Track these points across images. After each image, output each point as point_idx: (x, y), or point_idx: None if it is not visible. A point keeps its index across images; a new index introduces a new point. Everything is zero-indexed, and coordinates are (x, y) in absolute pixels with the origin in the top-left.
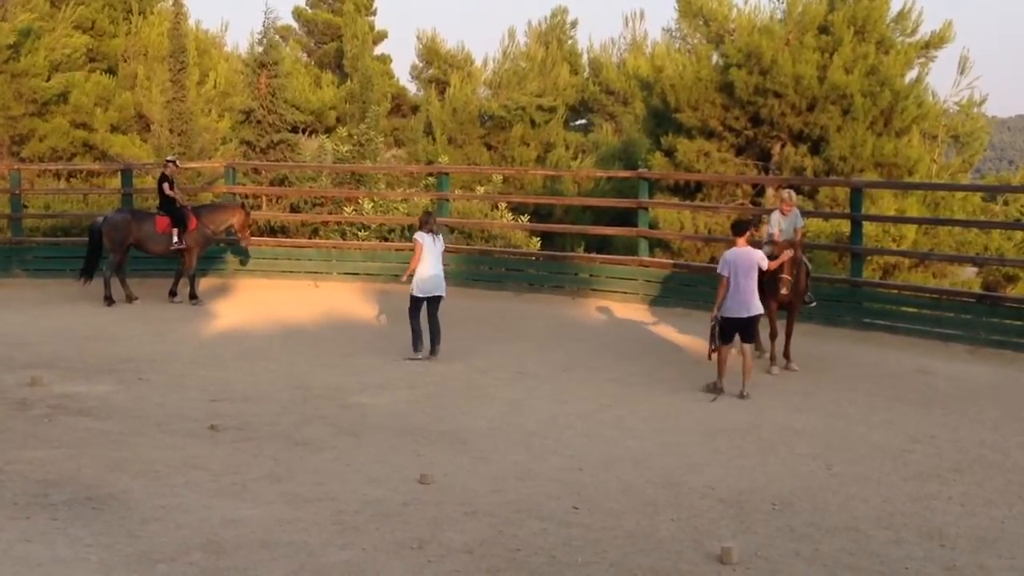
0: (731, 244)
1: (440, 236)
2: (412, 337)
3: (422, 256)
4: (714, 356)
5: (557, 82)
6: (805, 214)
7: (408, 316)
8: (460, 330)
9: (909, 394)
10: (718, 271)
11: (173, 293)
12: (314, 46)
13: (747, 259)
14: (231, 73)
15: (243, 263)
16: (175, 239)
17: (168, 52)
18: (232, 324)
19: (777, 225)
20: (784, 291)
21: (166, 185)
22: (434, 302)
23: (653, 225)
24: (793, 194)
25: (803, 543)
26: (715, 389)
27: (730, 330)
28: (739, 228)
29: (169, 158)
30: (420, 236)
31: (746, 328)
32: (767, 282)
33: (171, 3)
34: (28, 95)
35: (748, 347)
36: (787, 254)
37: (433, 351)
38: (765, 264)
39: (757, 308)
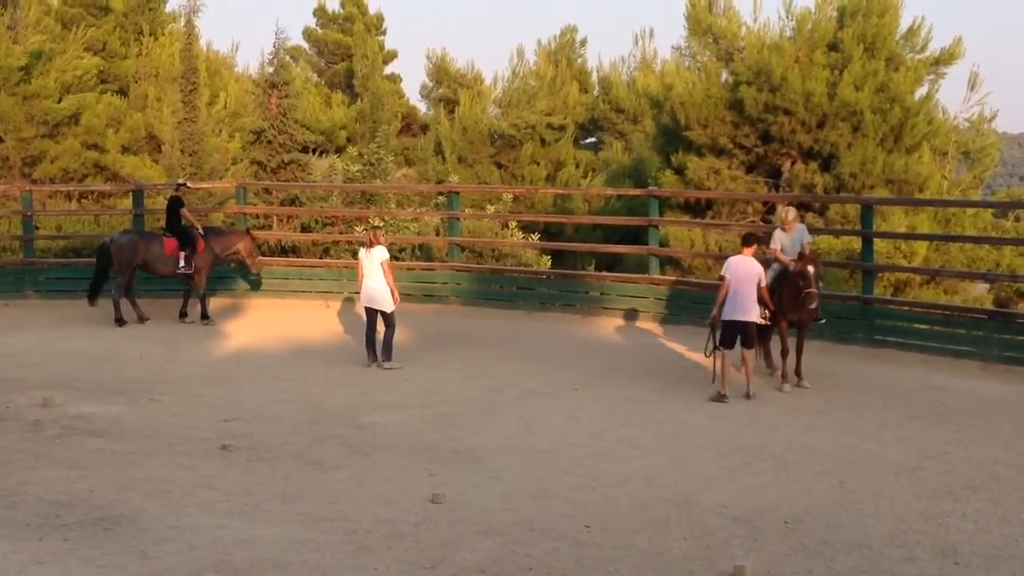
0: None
1: (375, 250)
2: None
3: (362, 270)
4: (711, 356)
5: (567, 100)
6: (816, 231)
7: None
8: (471, 349)
9: (921, 411)
10: (721, 273)
11: (184, 314)
12: (324, 66)
13: (748, 268)
14: (242, 93)
15: (254, 288)
16: (182, 263)
17: (179, 73)
18: (243, 344)
19: (779, 243)
20: (813, 305)
21: (184, 210)
22: (374, 314)
23: (663, 243)
24: (792, 211)
25: (816, 561)
26: (720, 398)
27: (730, 333)
28: (747, 239)
29: (180, 181)
30: (360, 252)
31: (744, 332)
32: (781, 298)
33: (182, 24)
34: (40, 117)
35: (749, 352)
36: (810, 271)
37: (376, 361)
38: (764, 282)
39: (753, 314)
